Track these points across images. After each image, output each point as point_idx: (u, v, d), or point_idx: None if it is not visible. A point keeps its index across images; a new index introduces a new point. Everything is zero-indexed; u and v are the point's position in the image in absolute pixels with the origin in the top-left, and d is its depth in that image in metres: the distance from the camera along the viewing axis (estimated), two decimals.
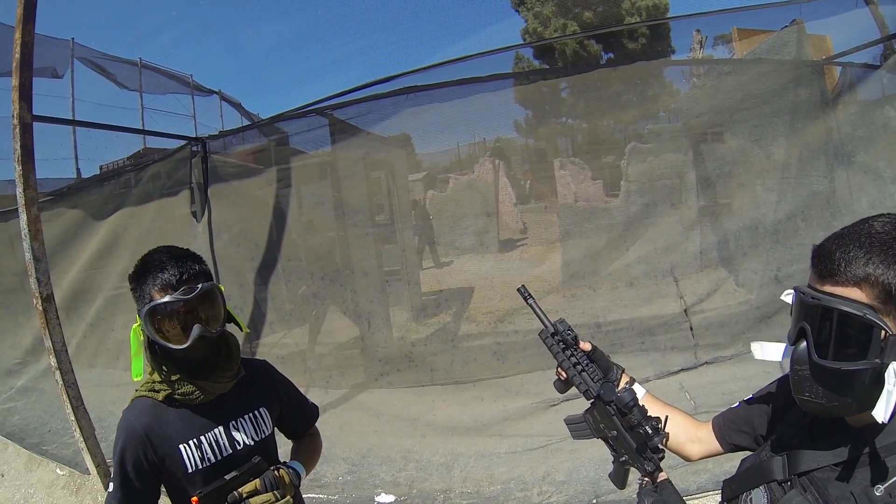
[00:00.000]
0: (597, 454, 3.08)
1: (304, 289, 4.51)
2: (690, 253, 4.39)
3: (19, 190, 3.44)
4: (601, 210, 4.89)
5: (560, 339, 1.27)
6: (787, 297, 0.94)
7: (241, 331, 1.45)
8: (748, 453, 1.15)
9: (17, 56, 3.31)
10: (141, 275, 1.29)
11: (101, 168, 7.29)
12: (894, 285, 0.78)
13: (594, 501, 2.93)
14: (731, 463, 1.14)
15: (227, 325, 1.38)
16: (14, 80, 3.35)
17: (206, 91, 8.09)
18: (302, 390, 1.66)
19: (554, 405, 3.79)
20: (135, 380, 1.34)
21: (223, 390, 1.36)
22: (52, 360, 3.62)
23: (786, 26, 4.54)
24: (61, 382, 3.63)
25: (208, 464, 1.32)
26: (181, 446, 1.30)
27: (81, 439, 3.68)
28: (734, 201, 4.38)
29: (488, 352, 4.28)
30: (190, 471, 1.30)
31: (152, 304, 1.24)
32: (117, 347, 5.51)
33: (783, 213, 4.05)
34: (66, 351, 3.69)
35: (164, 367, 1.31)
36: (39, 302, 3.52)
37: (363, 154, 4.42)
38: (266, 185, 4.52)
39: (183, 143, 5.00)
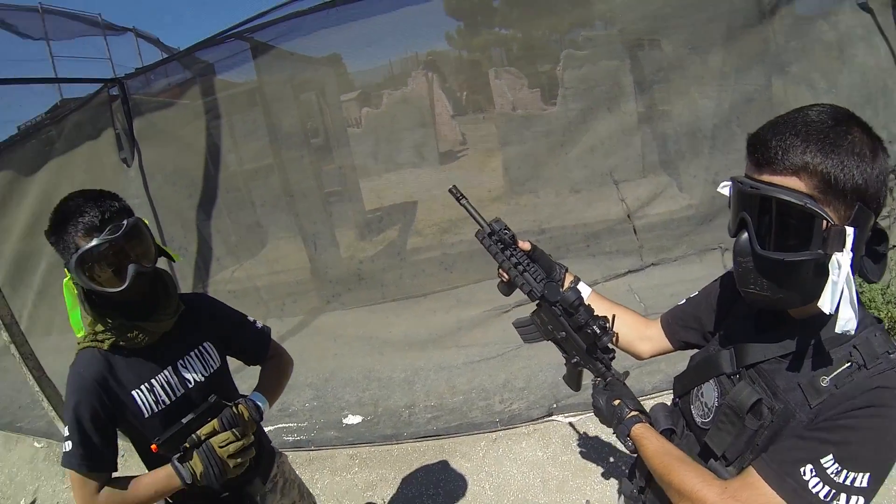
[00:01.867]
0: (553, 359, 3.15)
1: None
2: (631, 158, 4.44)
3: None
4: (539, 117, 4.87)
5: (498, 239, 1.23)
6: (725, 188, 0.91)
7: (173, 260, 1.42)
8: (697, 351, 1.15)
9: None
10: (60, 224, 1.22)
11: (18, 128, 6.84)
12: (833, 175, 0.76)
13: (555, 405, 3.02)
14: (685, 362, 1.14)
15: (158, 259, 1.33)
16: None
17: (119, 29, 7.48)
18: (260, 322, 1.62)
19: (507, 311, 3.82)
20: (79, 336, 1.31)
21: (166, 328, 1.33)
22: (5, 336, 3.60)
23: None
24: (18, 356, 3.63)
25: (163, 406, 1.31)
26: (133, 392, 1.29)
27: (50, 408, 3.73)
28: (673, 108, 4.39)
29: (436, 263, 4.32)
30: (146, 416, 1.29)
31: (80, 251, 1.18)
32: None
33: (720, 119, 4.09)
34: (17, 323, 3.67)
35: (103, 315, 1.27)
36: None
37: (289, 76, 4.28)
38: (194, 118, 4.35)
39: (99, 86, 4.70)
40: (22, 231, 5.28)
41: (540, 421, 3.03)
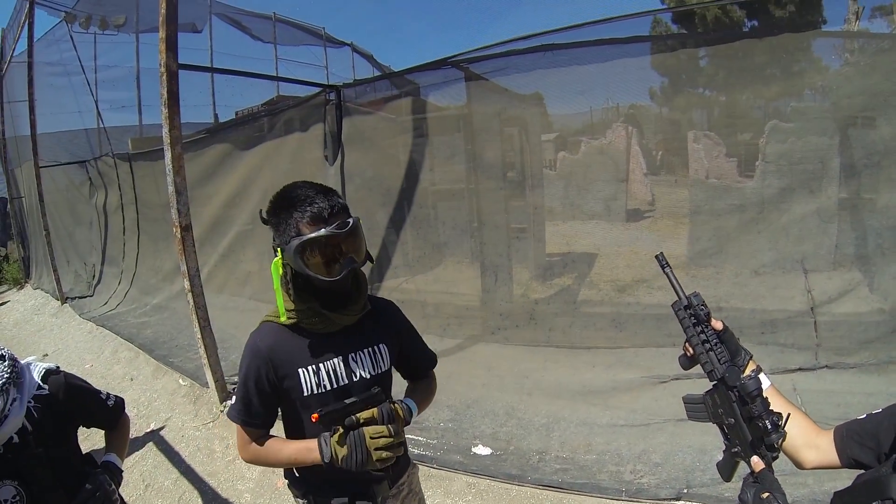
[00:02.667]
0: (697, 442, 2.97)
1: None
2: (825, 247, 3.99)
3: (165, 130, 3.76)
4: (734, 189, 4.53)
5: (692, 314, 1.22)
6: None
7: (371, 262, 1.45)
8: (860, 472, 1.06)
9: (163, 11, 3.58)
10: (285, 208, 1.28)
11: (236, 113, 7.80)
12: None
13: (685, 490, 2.81)
14: (833, 483, 1.07)
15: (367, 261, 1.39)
16: (161, 33, 3.63)
17: (339, 43, 8.29)
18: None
19: (664, 382, 3.67)
20: (283, 321, 1.35)
21: (349, 322, 1.38)
22: (186, 283, 3.96)
23: None
24: (192, 303, 3.97)
25: (324, 390, 1.35)
26: (300, 370, 1.34)
27: (205, 356, 4.04)
28: (879, 197, 3.90)
29: (607, 319, 4.16)
30: (305, 394, 1.34)
31: (306, 237, 1.24)
32: (244, 277, 5.94)
33: None
34: (199, 276, 4.03)
35: (301, 298, 1.33)
36: (178, 230, 3.86)
37: (498, 109, 4.34)
38: (400, 133, 4.57)
39: (318, 90, 5.17)
40: (224, 199, 5.91)
41: (666, 501, 2.81)
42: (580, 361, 4.06)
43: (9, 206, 12.37)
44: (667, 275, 1.28)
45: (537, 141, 4.53)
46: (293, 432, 1.43)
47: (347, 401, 1.29)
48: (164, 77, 3.68)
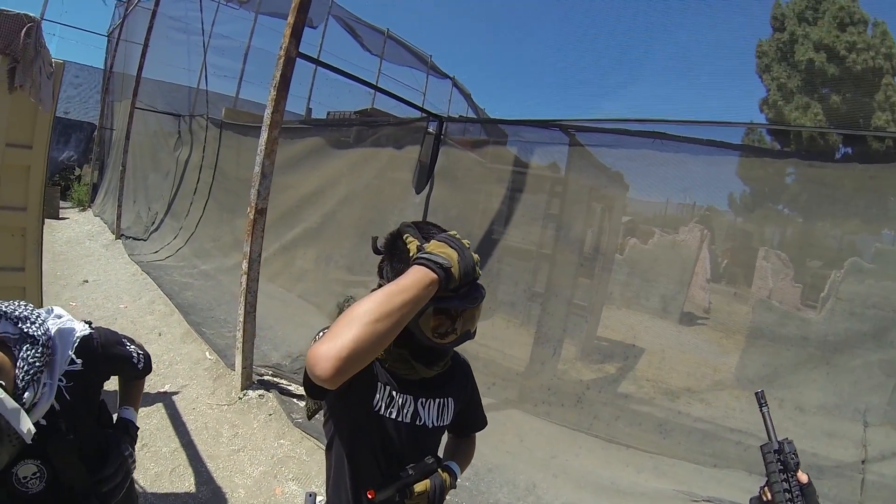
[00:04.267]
0: None
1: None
2: (876, 404, 3.77)
3: (268, 112, 3.79)
4: (797, 319, 4.45)
5: (781, 460, 1.22)
6: None
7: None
8: None
9: (297, 1, 3.67)
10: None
11: (327, 114, 8.10)
12: None
13: None
14: None
15: None
16: (290, 19, 3.72)
17: (442, 74, 8.55)
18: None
19: (695, 501, 3.49)
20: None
21: (428, 375, 1.35)
22: (244, 265, 3.92)
23: None
24: (244, 287, 3.93)
25: (389, 416, 1.31)
26: (380, 384, 1.30)
27: (241, 340, 3.99)
28: None
29: (654, 423, 4.07)
30: (374, 405, 1.29)
31: (447, 304, 1.19)
32: (299, 274, 6.01)
33: None
34: (259, 261, 3.98)
35: (395, 342, 1.21)
36: (253, 212, 3.85)
37: (592, 183, 4.38)
38: (491, 181, 4.63)
39: (418, 113, 5.25)
40: (301, 193, 6.04)
41: None
42: (615, 457, 3.97)
43: (96, 132, 13.06)
44: (763, 414, 1.30)
45: (618, 222, 4.57)
46: (335, 452, 1.37)
47: (403, 473, 1.28)
48: (282, 61, 3.71)
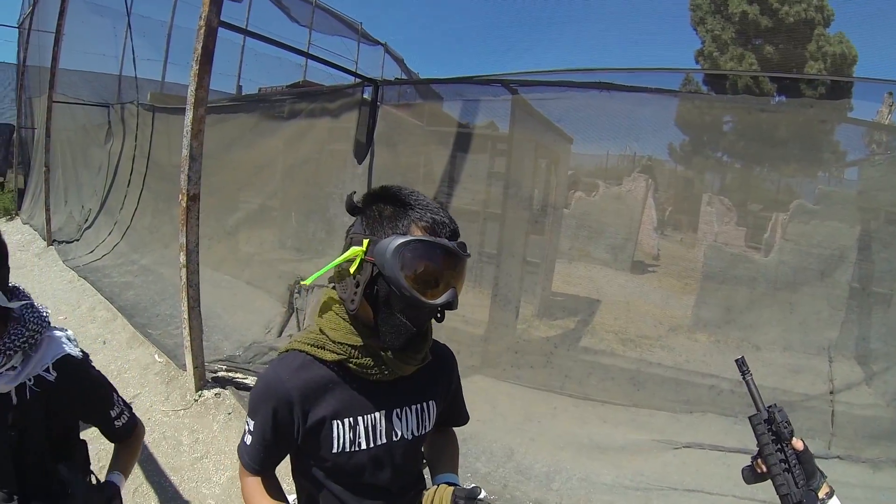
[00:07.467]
0: None
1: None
2: (832, 337, 3.98)
3: (191, 88, 3.44)
4: (747, 260, 4.54)
5: (773, 430, 1.17)
6: None
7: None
8: None
9: None
10: (395, 203, 1.05)
11: (259, 90, 7.74)
12: None
13: None
14: None
15: None
16: None
17: (373, 41, 8.27)
18: None
19: (675, 448, 3.55)
20: (323, 357, 1.10)
21: (406, 373, 1.13)
22: (182, 257, 3.63)
23: None
24: (184, 280, 3.64)
25: (357, 448, 1.12)
26: (335, 422, 1.10)
27: (188, 338, 3.73)
28: None
29: (627, 376, 4.07)
30: (335, 451, 1.11)
31: (425, 238, 0.99)
32: (245, 259, 5.77)
33: None
34: (198, 252, 3.69)
35: (360, 329, 1.08)
36: (185, 199, 3.53)
37: (537, 139, 4.25)
38: (432, 143, 4.48)
39: (352, 79, 5.02)
40: (238, 174, 5.77)
41: None
42: (591, 414, 3.93)
43: (15, 134, 12.19)
44: (747, 382, 1.23)
45: (564, 177, 4.53)
46: (303, 484, 1.21)
47: None
48: (202, 31, 3.38)
